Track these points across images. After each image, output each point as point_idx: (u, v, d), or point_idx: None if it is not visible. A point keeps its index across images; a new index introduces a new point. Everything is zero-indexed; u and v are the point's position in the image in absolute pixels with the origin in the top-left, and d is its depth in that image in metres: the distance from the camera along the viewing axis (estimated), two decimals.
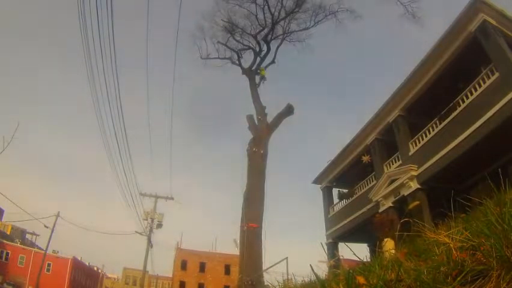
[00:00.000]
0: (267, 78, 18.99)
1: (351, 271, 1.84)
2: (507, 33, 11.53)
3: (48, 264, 42.22)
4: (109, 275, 69.90)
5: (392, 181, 14.88)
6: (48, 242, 31.42)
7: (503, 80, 10.58)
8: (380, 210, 15.45)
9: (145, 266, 24.78)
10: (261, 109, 17.31)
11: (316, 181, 22.57)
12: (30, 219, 30.36)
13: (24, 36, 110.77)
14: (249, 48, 20.00)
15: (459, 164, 12.03)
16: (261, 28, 19.12)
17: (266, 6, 18.52)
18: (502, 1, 11.78)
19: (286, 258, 11.36)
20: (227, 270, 44.13)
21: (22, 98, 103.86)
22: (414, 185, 13.62)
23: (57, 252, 45.63)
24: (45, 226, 29.94)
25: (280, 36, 19.42)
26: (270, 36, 18.99)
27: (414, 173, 13.68)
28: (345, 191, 20.23)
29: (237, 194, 14.88)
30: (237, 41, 20.20)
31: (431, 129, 13.65)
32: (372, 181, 17.20)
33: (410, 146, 14.62)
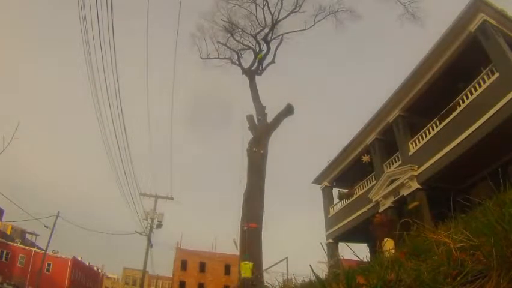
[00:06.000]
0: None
1: (351, 271, 1.84)
2: (507, 33, 11.53)
3: (48, 264, 42.23)
4: (109, 275, 69.85)
5: (392, 181, 14.87)
6: (48, 242, 31.42)
7: (503, 80, 10.57)
8: (379, 210, 15.45)
9: (145, 266, 24.77)
10: (261, 109, 17.30)
11: (316, 181, 22.56)
12: (30, 219, 30.33)
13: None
14: (249, 48, 20.01)
15: (459, 164, 12.03)
16: (261, 28, 19.14)
17: (266, 6, 18.55)
18: (502, 1, 11.79)
19: (286, 258, 11.37)
20: (227, 270, 44.15)
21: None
22: (414, 185, 13.62)
23: (57, 252, 45.63)
24: (45, 226, 29.93)
25: (280, 36, 19.43)
26: (270, 36, 19.00)
27: (414, 173, 13.68)
28: (345, 191, 20.23)
29: (237, 194, 14.86)
30: (237, 41, 20.24)
31: (431, 129, 13.64)
32: (372, 181, 17.19)
33: (410, 146, 14.62)
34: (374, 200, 16.14)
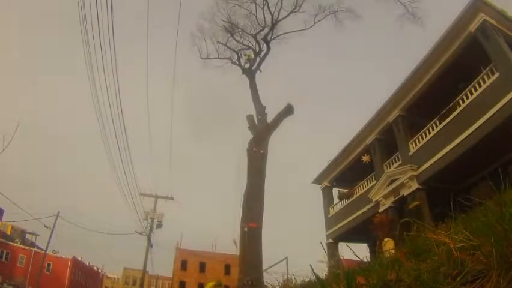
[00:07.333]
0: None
1: (351, 271, 1.84)
2: (507, 33, 11.53)
3: (48, 264, 42.21)
4: (109, 275, 69.82)
5: (392, 181, 14.87)
6: (48, 242, 31.46)
7: (503, 80, 10.58)
8: (380, 210, 15.45)
9: (145, 266, 24.81)
10: (261, 109, 17.26)
11: (316, 181, 22.57)
12: (30, 219, 30.35)
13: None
14: (249, 48, 19.98)
15: (459, 164, 12.03)
16: (261, 28, 19.12)
17: (266, 6, 18.53)
18: (502, 1, 11.79)
19: (286, 258, 11.38)
20: (227, 270, 44.14)
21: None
22: (414, 185, 13.62)
23: (57, 252, 45.62)
24: (45, 226, 29.95)
25: (281, 36, 19.42)
26: (270, 36, 18.97)
27: (414, 173, 13.68)
28: (345, 191, 20.23)
29: (237, 194, 14.85)
30: (237, 41, 20.19)
31: (431, 129, 13.64)
32: (372, 181, 17.19)
33: (410, 146, 14.62)
34: (374, 200, 16.14)
